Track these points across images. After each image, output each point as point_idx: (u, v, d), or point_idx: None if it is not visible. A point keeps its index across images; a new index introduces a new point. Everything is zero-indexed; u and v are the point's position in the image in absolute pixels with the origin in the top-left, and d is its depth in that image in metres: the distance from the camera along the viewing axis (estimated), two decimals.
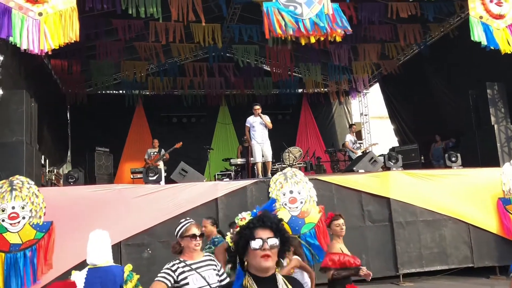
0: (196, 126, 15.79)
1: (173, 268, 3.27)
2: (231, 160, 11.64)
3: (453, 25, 11.84)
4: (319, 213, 7.90)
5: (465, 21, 9.91)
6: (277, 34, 7.73)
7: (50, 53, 7.50)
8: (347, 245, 4.44)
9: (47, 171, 9.82)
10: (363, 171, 8.66)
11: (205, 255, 3.43)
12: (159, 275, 3.25)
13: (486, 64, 10.33)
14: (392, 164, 8.99)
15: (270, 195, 7.95)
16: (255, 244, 2.09)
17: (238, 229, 2.38)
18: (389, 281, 8.04)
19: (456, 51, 11.75)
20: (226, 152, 15.20)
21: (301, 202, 7.91)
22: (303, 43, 8.14)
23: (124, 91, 15.26)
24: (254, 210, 2.58)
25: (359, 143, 11.99)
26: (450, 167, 9.10)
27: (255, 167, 10.80)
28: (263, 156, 9.12)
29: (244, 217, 2.66)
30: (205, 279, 3.27)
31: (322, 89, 16.79)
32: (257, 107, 9.40)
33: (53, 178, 10.01)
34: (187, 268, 3.28)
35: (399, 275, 8.05)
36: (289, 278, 2.26)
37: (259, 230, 2.14)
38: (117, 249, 7.28)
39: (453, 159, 9.17)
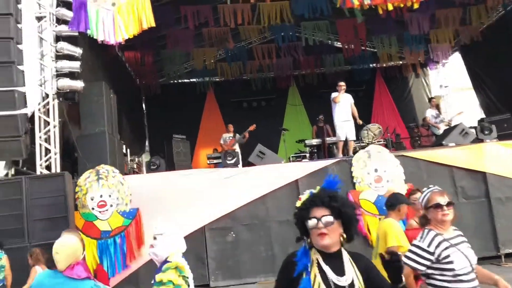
0: (266, 109, 15.63)
1: (433, 243, 2.81)
2: (306, 141, 11.31)
3: None
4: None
5: None
6: (353, 4, 7.29)
7: (123, 43, 7.58)
8: None
9: (128, 160, 10.09)
10: (453, 144, 8.02)
11: (454, 229, 2.94)
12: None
13: None
14: (485, 135, 8.25)
15: (353, 175, 7.60)
16: (309, 223, 2.12)
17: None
18: (489, 262, 7.41)
19: None
20: (298, 133, 14.89)
21: (387, 181, 7.49)
22: (380, 12, 7.62)
23: (195, 79, 15.44)
24: (312, 190, 2.33)
25: (442, 117, 11.16)
26: None
27: (333, 146, 10.48)
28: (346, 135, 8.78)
29: (300, 197, 2.43)
30: (467, 258, 2.82)
31: (397, 62, 15.91)
32: (342, 83, 9.03)
33: (135, 167, 10.28)
34: (447, 244, 2.83)
35: (500, 255, 7.41)
36: (353, 254, 2.22)
37: (314, 209, 2.14)
38: (202, 234, 7.32)
39: None
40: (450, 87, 16.27)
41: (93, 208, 7.12)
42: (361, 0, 7.25)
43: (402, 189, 7.47)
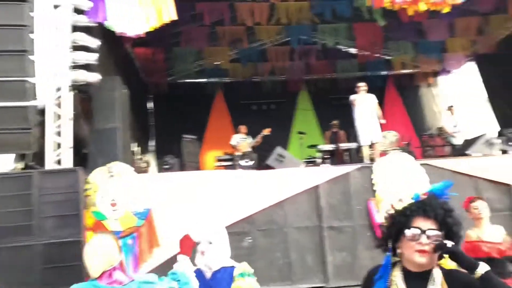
0: (275, 113, 15.30)
1: None
2: (320, 146, 11.05)
3: None
4: None
5: None
6: (383, 3, 7.02)
7: (143, 35, 7.28)
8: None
9: (137, 158, 9.77)
10: (479, 154, 7.76)
11: None
12: None
13: None
14: (510, 146, 8.00)
15: (373, 182, 7.31)
16: (410, 233, 1.81)
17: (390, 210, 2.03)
18: None
19: None
20: (307, 139, 14.62)
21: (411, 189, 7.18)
22: (409, 13, 7.37)
23: (204, 79, 15.16)
24: (417, 193, 2.07)
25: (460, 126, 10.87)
26: None
27: (347, 152, 10.22)
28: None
29: (401, 199, 2.14)
30: None
31: (410, 70, 15.69)
32: (360, 84, 8.73)
33: (144, 166, 9.95)
34: None
35: None
36: (449, 273, 1.87)
37: (419, 218, 1.84)
38: None
39: None
40: (461, 97, 16.05)
41: (104, 207, 6.79)
42: None
43: None
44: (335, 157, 10.88)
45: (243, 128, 11.11)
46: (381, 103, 15.49)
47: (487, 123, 14.67)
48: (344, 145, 10.60)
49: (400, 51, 13.55)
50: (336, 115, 12.82)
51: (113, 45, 9.77)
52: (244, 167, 7.76)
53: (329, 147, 10.88)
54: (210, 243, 2.75)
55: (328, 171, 7.37)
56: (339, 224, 7.16)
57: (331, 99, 15.49)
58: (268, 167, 7.76)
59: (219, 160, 11.67)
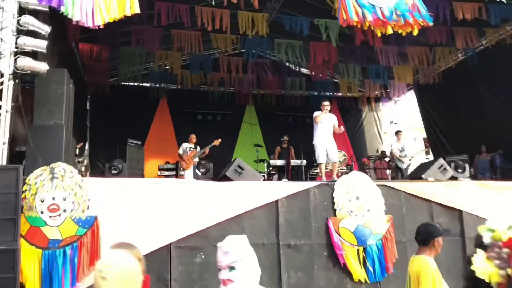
0: (221, 124, 15.05)
1: None
2: (271, 161, 10.87)
3: (510, 30, 11.21)
4: (387, 222, 7.17)
5: None
6: (353, 21, 6.97)
7: (102, 27, 6.65)
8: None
9: (77, 160, 8.95)
10: (432, 179, 7.92)
11: None
12: None
13: None
14: (459, 173, 8.27)
15: (334, 200, 7.18)
16: None
17: (504, 250, 1.41)
18: None
19: (509, 57, 11.11)
20: (251, 153, 14.46)
21: (368, 210, 7.15)
22: (379, 34, 7.41)
23: (149, 84, 14.48)
24: None
25: (407, 151, 11.19)
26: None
27: (288, 169, 10.15)
28: (327, 156, 8.39)
29: None
30: None
31: (354, 94, 16.08)
32: (326, 103, 8.67)
33: (83, 170, 9.14)
34: None
35: None
36: None
37: None
38: (167, 252, 6.47)
39: None
40: (399, 125, 16.72)
41: (42, 212, 6.03)
42: (361, 18, 6.96)
43: (382, 220, 7.22)
44: (283, 173, 10.77)
45: (193, 137, 10.64)
46: None
47: (422, 151, 15.38)
48: (294, 162, 10.52)
49: (349, 74, 13.79)
50: (282, 131, 12.79)
51: (57, 36, 9.00)
52: (199, 177, 7.31)
53: (280, 162, 10.74)
54: (233, 268, 2.16)
55: (288, 187, 7.11)
56: (297, 242, 6.91)
57: (278, 115, 15.53)
58: (226, 179, 7.37)
59: (161, 170, 11.16)
